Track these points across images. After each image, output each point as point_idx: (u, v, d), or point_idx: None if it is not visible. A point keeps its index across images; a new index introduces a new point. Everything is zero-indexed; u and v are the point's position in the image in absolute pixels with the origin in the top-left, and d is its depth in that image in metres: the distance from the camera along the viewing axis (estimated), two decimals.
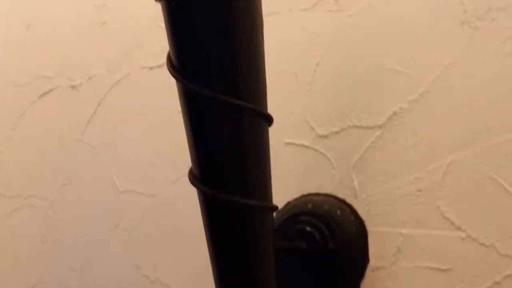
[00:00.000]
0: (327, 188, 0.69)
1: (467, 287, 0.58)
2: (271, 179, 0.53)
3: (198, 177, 0.49)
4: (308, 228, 0.65)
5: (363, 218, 0.66)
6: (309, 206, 0.68)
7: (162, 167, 0.84)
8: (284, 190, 0.71)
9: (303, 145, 0.72)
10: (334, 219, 0.65)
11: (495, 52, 0.60)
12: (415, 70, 0.65)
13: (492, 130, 0.60)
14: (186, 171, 0.80)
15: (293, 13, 0.74)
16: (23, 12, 1.04)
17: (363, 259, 0.65)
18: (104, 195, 0.88)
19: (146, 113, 0.88)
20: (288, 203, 0.70)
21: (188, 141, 0.49)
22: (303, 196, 0.70)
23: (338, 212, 0.66)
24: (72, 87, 0.97)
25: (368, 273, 0.64)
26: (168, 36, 0.48)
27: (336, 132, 0.70)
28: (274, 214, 0.62)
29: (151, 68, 0.88)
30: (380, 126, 0.67)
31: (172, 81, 0.49)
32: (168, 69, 0.47)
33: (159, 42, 0.78)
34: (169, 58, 0.48)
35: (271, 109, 0.51)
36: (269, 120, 0.50)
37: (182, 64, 0.47)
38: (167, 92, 0.86)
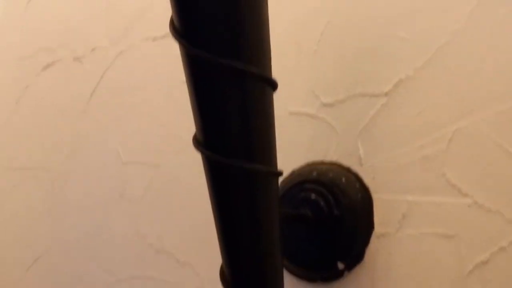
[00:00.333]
0: (332, 156, 0.69)
1: (473, 253, 0.58)
2: (276, 146, 0.53)
3: (203, 142, 0.48)
4: (313, 196, 0.65)
5: (368, 185, 0.66)
6: (314, 174, 0.67)
7: (166, 138, 0.84)
8: (289, 159, 0.71)
9: (307, 114, 0.72)
10: (339, 186, 0.65)
11: (502, 19, 0.59)
12: (421, 37, 0.64)
13: (498, 96, 0.59)
14: (190, 141, 0.80)
15: None
16: None
17: (368, 226, 0.65)
18: (108, 166, 0.88)
19: (149, 84, 0.88)
20: (293, 172, 0.70)
21: (192, 106, 0.48)
22: (308, 165, 0.70)
23: (343, 179, 0.66)
24: (75, 59, 0.96)
25: (373, 240, 0.64)
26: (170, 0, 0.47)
27: (341, 101, 0.69)
28: (279, 182, 0.62)
29: (154, 39, 0.87)
30: (386, 94, 0.66)
31: (176, 52, 0.49)
32: (171, 33, 0.47)
33: (162, 13, 0.77)
34: (172, 22, 0.47)
35: (276, 78, 0.51)
36: (273, 85, 0.49)
37: (185, 28, 0.46)
38: (170, 63, 0.85)
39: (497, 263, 0.57)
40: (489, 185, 0.58)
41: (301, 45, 0.72)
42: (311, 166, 0.69)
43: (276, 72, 0.51)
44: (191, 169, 0.81)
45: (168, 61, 0.86)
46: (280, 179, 0.66)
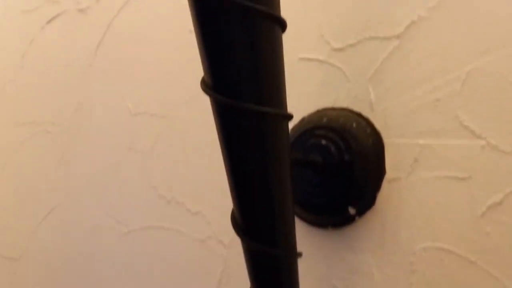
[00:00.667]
0: (343, 102, 0.68)
1: (486, 195, 0.58)
2: (286, 90, 0.52)
3: (210, 85, 0.47)
4: (323, 142, 0.64)
5: (380, 130, 0.65)
6: (324, 120, 0.66)
7: (174, 88, 0.83)
8: (298, 106, 0.70)
9: (318, 60, 0.70)
10: (350, 132, 0.64)
11: None
12: None
13: None
14: (198, 91, 0.79)
15: None
16: None
17: (379, 171, 0.64)
18: (117, 118, 0.88)
19: (156, 34, 0.86)
20: (303, 119, 0.69)
21: (200, 49, 0.47)
22: (318, 111, 0.69)
23: (354, 125, 0.65)
24: (80, 10, 0.95)
25: (385, 184, 0.64)
26: None
27: (352, 45, 0.68)
28: (289, 129, 0.61)
29: None
30: (398, 37, 0.64)
31: (182, 0, 0.47)
32: None
33: None
34: None
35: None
36: (282, 24, 0.48)
37: None
38: (177, 12, 0.84)
39: (510, 204, 0.56)
40: (503, 126, 0.57)
41: None
42: (322, 113, 0.69)
43: (285, 17, 0.50)
44: (200, 119, 0.80)
45: (174, 10, 0.84)
46: (290, 126, 0.66)
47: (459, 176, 0.59)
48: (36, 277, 0.92)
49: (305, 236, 0.68)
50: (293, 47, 0.71)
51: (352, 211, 0.64)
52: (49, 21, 0.98)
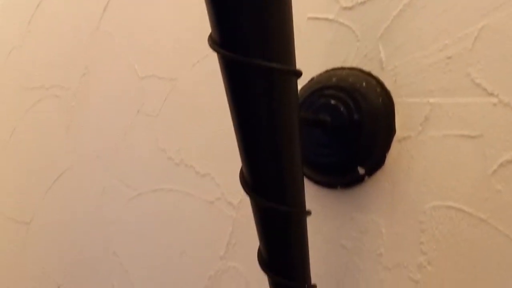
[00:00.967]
0: (352, 62, 0.67)
1: (497, 153, 0.57)
2: (295, 46, 0.51)
3: (218, 41, 0.47)
4: (332, 101, 0.64)
5: (390, 89, 0.64)
6: (334, 80, 0.66)
7: (181, 51, 0.82)
8: (308, 66, 0.69)
9: (326, 19, 0.69)
10: (359, 91, 0.64)
11: None
12: None
13: None
14: (205, 53, 0.78)
15: None
16: None
17: (389, 130, 0.63)
18: (125, 82, 0.87)
19: None
20: (312, 79, 0.69)
21: (207, 3, 0.46)
22: (328, 71, 0.68)
23: (364, 84, 0.64)
24: None
25: (394, 144, 0.63)
26: None
27: (362, 3, 0.66)
28: (298, 90, 0.61)
29: None
30: None
31: None
32: None
33: None
34: None
35: None
36: None
37: None
38: None
39: None
40: None
41: None
42: (331, 72, 0.68)
43: None
44: (208, 81, 0.79)
45: None
46: (300, 86, 0.65)
47: (470, 134, 0.59)
48: (47, 240, 0.93)
49: (314, 196, 0.68)
50: (302, 6, 0.70)
51: (361, 171, 0.64)
52: None
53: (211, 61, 0.71)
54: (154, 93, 0.84)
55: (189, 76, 0.82)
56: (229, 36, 0.46)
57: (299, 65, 0.51)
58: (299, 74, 0.50)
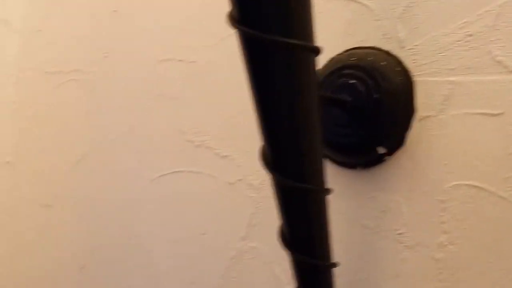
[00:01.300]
0: (371, 41, 0.67)
1: None
2: (314, 23, 0.51)
3: (238, 18, 0.47)
4: (352, 81, 0.64)
5: (409, 68, 0.64)
6: (353, 59, 0.65)
7: (200, 33, 0.83)
8: (326, 46, 0.68)
9: None
10: (379, 70, 0.63)
11: None
12: None
13: None
14: (224, 35, 0.79)
15: None
16: None
17: (409, 109, 0.63)
18: (144, 65, 0.88)
19: None
20: (332, 59, 0.69)
21: None
22: (347, 51, 0.68)
23: (383, 63, 0.64)
24: None
25: (415, 123, 0.63)
26: None
27: None
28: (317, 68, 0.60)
29: None
30: None
31: None
32: None
33: None
34: None
35: None
36: None
37: None
38: None
39: None
40: None
41: None
42: (350, 52, 0.68)
43: None
44: (228, 63, 0.80)
45: None
46: (319, 65, 0.65)
47: (492, 112, 0.58)
48: (70, 223, 0.94)
49: (334, 177, 0.68)
50: None
51: (381, 150, 0.64)
52: None
53: (231, 42, 0.71)
54: (174, 75, 0.85)
55: (208, 58, 0.82)
56: (249, 12, 0.46)
57: (318, 44, 0.51)
58: (318, 51, 0.50)
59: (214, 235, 0.80)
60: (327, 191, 0.54)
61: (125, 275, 0.88)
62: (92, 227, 0.92)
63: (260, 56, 0.48)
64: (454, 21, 0.61)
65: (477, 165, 0.59)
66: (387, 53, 0.65)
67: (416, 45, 0.63)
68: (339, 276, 0.60)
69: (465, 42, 0.60)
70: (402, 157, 0.64)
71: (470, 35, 0.60)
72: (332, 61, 0.68)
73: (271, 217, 0.71)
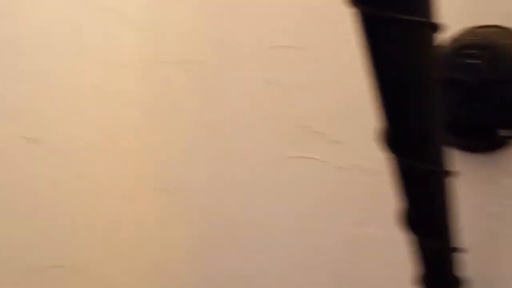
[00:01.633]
0: (493, 19, 0.64)
1: None
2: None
3: None
4: (472, 60, 0.61)
5: None
6: (473, 37, 0.63)
7: (310, 20, 0.83)
8: (446, 25, 0.67)
9: None
10: (500, 49, 0.61)
11: None
12: None
13: None
14: (334, 21, 0.78)
15: None
16: None
17: None
18: (255, 52, 0.89)
19: None
20: (451, 38, 0.66)
21: None
22: (466, 30, 0.65)
23: (505, 42, 0.61)
24: None
25: None
26: None
27: None
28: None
29: None
30: None
31: None
32: None
33: None
34: None
35: None
36: None
37: None
38: None
39: None
40: None
41: None
42: (470, 30, 0.65)
43: None
44: (337, 49, 0.79)
45: None
46: (438, 45, 0.63)
47: None
48: (188, 206, 0.98)
49: (454, 160, 0.65)
50: None
51: (503, 133, 0.61)
52: None
53: (339, 29, 0.70)
54: (284, 62, 0.85)
55: (318, 44, 0.82)
56: None
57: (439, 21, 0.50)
58: (437, 27, 0.48)
59: (328, 220, 0.80)
60: (450, 173, 0.52)
61: (239, 259, 0.90)
62: (208, 210, 0.94)
63: (377, 33, 0.47)
64: None
65: None
66: (509, 31, 0.62)
67: None
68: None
69: None
70: None
71: None
72: (452, 39, 0.65)
73: (385, 202, 0.70)
